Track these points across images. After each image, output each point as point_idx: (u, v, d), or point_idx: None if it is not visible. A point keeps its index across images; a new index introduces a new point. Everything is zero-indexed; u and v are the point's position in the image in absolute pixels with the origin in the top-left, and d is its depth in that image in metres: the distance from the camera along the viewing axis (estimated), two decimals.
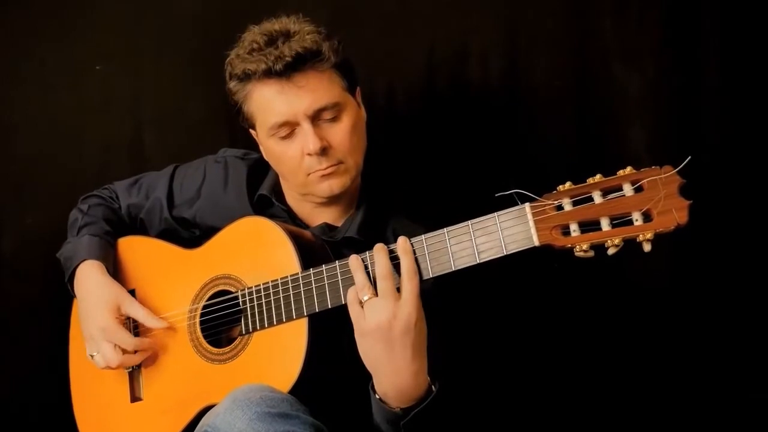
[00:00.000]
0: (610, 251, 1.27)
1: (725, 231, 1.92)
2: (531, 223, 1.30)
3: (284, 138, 1.57)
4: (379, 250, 1.40)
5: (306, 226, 1.67)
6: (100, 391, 1.74)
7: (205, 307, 1.62)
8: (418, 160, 2.05)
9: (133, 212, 1.85)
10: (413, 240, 1.40)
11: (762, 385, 1.94)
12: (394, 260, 1.39)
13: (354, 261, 1.42)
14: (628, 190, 1.26)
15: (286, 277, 1.51)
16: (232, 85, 1.59)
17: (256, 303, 1.54)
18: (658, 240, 1.24)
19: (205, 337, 1.61)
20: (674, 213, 1.23)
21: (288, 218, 1.68)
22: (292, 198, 1.71)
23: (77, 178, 2.13)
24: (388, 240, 1.48)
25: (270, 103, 1.55)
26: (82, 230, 1.76)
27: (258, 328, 1.53)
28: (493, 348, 1.86)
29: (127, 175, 1.91)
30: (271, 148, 1.61)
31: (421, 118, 2.09)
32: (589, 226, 1.28)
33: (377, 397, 1.42)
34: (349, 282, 1.42)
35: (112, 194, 1.88)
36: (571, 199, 1.29)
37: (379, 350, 1.37)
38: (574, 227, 1.28)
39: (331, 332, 1.47)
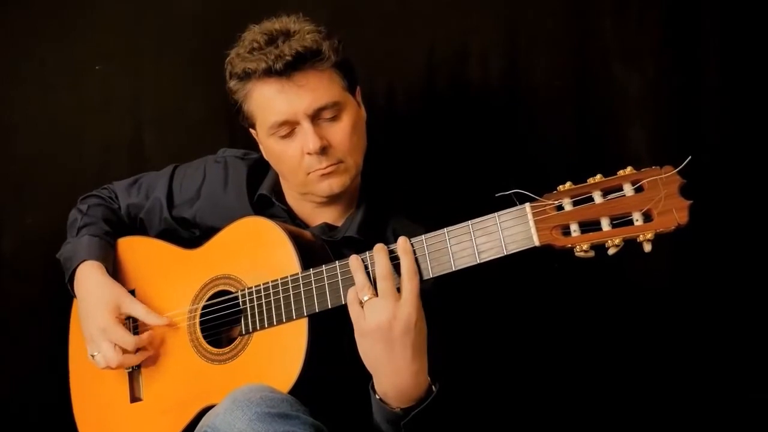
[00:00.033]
0: (611, 251, 1.26)
1: (725, 231, 1.91)
2: (531, 223, 1.30)
3: (284, 137, 1.57)
4: (379, 250, 1.40)
5: (306, 226, 1.67)
6: (100, 391, 1.74)
7: (205, 307, 1.62)
8: (418, 160, 2.05)
9: (133, 212, 1.85)
10: (413, 240, 1.40)
11: (762, 385, 1.94)
12: (394, 260, 1.39)
13: (354, 261, 1.42)
14: (628, 190, 1.26)
15: (286, 277, 1.51)
16: (232, 84, 1.59)
17: (256, 303, 1.54)
18: (658, 240, 1.24)
19: (205, 337, 1.61)
20: (674, 213, 1.23)
21: (288, 218, 1.68)
22: (292, 198, 1.70)
23: (77, 178, 2.13)
24: (388, 240, 1.48)
25: (270, 102, 1.55)
26: (82, 231, 1.76)
27: (258, 328, 1.53)
28: (494, 348, 1.85)
29: (127, 175, 1.91)
30: (271, 147, 1.60)
31: (421, 118, 2.08)
32: (590, 226, 1.28)
33: (377, 397, 1.42)
34: (349, 282, 1.42)
35: (112, 194, 1.87)
36: (571, 199, 1.29)
37: (379, 350, 1.37)
38: (574, 227, 1.28)
39: (331, 332, 1.47)
